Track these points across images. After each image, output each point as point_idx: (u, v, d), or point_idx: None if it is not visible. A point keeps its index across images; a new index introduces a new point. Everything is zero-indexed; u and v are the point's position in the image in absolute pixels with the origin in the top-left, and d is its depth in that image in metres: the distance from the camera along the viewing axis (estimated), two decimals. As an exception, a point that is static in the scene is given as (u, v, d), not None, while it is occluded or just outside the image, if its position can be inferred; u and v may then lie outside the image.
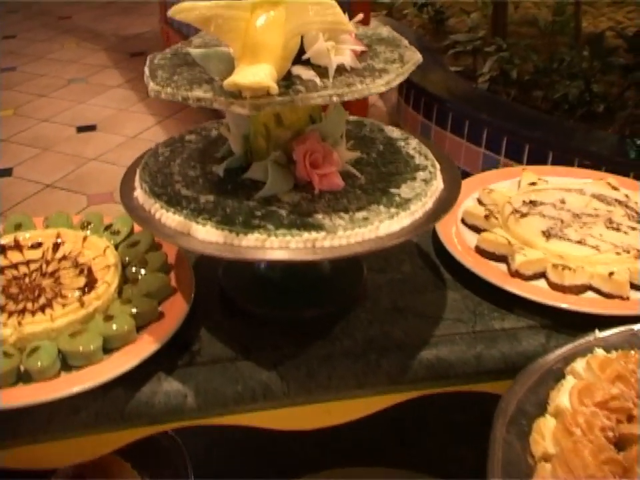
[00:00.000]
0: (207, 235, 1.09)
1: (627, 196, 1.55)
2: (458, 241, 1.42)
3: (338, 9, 1.02)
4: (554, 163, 3.46)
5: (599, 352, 1.15)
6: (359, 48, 1.15)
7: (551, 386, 1.11)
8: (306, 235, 1.07)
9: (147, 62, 1.20)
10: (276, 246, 1.07)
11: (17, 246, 1.38)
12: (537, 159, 3.52)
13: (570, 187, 1.57)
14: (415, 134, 1.38)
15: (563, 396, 1.07)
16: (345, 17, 1.03)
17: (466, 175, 1.62)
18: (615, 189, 1.58)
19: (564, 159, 3.47)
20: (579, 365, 1.13)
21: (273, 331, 1.25)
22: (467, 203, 1.53)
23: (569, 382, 1.09)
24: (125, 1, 7.57)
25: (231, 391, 1.17)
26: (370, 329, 1.26)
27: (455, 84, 4.14)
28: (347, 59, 1.11)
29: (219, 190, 1.18)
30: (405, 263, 1.42)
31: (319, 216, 1.11)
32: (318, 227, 1.08)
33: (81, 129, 4.66)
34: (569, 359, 1.15)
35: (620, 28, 5.02)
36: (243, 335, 1.25)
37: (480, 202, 1.54)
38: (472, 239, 1.44)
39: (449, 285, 1.38)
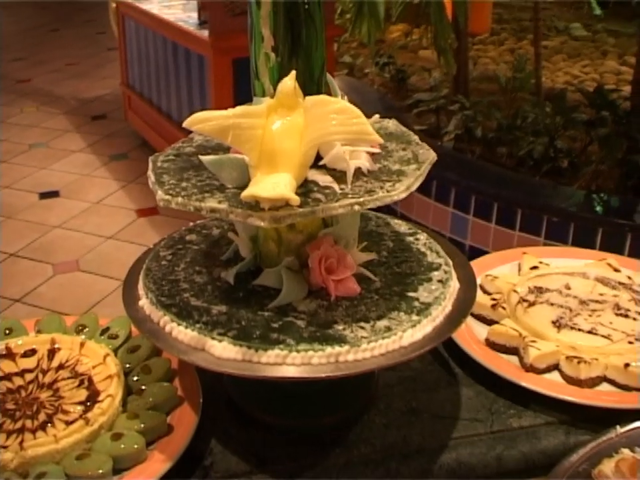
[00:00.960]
0: (224, 352, 1.05)
1: (629, 277, 1.53)
2: (467, 333, 1.39)
3: (363, 118, 1.00)
4: (522, 221, 3.48)
5: (626, 452, 1.12)
6: (375, 150, 1.13)
7: (580, 491, 1.08)
8: (329, 349, 1.03)
9: (150, 165, 1.16)
10: (298, 362, 1.03)
11: (10, 354, 1.32)
12: (505, 217, 3.53)
13: (572, 270, 1.55)
14: None
15: (599, 504, 1.04)
16: (370, 126, 1.00)
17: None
18: (617, 270, 1.56)
19: (532, 217, 3.49)
20: (607, 467, 1.10)
21: (287, 441, 1.20)
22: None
23: (606, 489, 1.07)
24: (83, 64, 7.53)
25: (249, 509, 1.12)
26: (387, 434, 1.22)
27: (420, 143, 4.14)
28: (363, 162, 1.09)
29: (231, 299, 1.14)
30: (415, 360, 1.38)
31: (340, 327, 1.07)
32: (340, 340, 1.04)
33: (43, 195, 4.60)
34: (594, 458, 1.12)
35: (577, 82, 5.09)
36: (256, 445, 1.19)
37: (483, 289, 1.51)
38: (480, 330, 1.41)
39: (461, 380, 1.34)
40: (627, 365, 1.29)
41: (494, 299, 1.45)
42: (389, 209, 3.88)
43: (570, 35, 6.26)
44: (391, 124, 1.29)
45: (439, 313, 1.12)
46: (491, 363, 1.32)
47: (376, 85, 5.19)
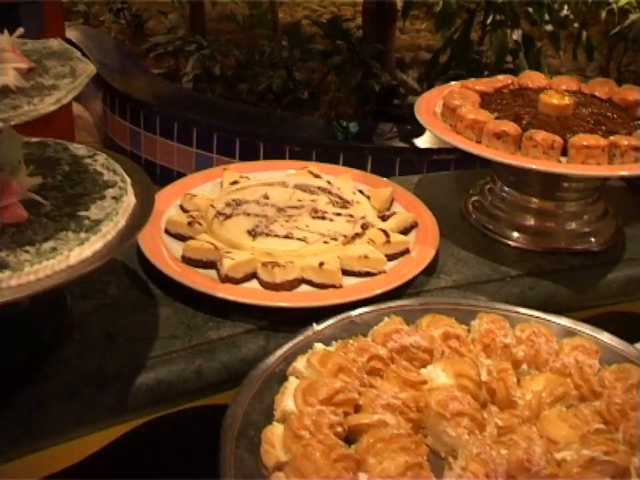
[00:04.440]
0: None
1: (329, 182, 1.56)
2: (165, 253, 1.36)
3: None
4: (266, 153, 3.50)
5: (318, 347, 1.13)
6: (24, 65, 1.07)
7: (276, 390, 1.07)
8: (-11, 277, 0.98)
9: None
10: (-42, 294, 0.97)
11: None
12: (249, 152, 3.54)
13: (272, 180, 1.56)
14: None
15: (287, 399, 1.04)
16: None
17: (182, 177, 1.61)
18: (317, 176, 1.58)
19: (275, 149, 3.52)
20: (300, 363, 1.10)
21: (-27, 383, 1.14)
22: (170, 211, 1.47)
23: (291, 383, 1.06)
24: None
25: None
26: (82, 363, 1.18)
27: (159, 87, 4.10)
28: (10, 79, 1.03)
29: None
30: (112, 285, 1.34)
31: (3, 254, 1.01)
32: (2, 267, 0.99)
33: None
34: (290, 358, 1.12)
35: (316, 15, 5.16)
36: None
37: (183, 208, 1.49)
38: (178, 249, 1.38)
39: (160, 301, 1.31)
40: (321, 264, 1.31)
41: (191, 217, 1.43)
42: (133, 156, 3.82)
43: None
44: (55, 43, 1.23)
45: (110, 229, 1.09)
46: (186, 278, 1.30)
47: (113, 32, 5.06)
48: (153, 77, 4.22)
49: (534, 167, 1.40)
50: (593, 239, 1.57)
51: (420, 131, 3.64)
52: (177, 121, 3.74)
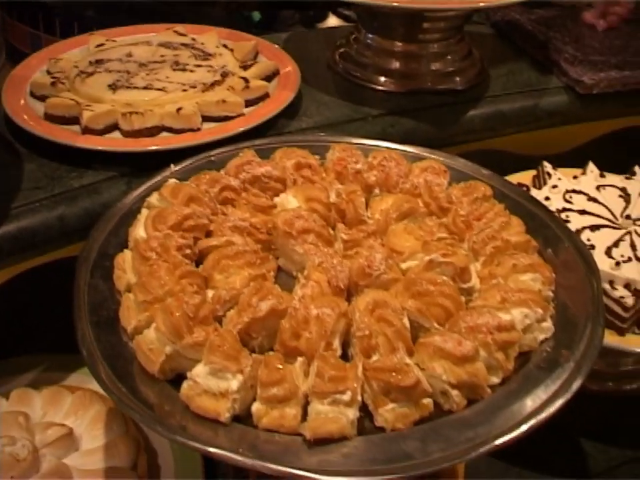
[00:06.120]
0: None
1: (193, 39, 1.58)
2: (27, 113, 1.38)
3: None
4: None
5: (172, 181, 1.15)
6: None
7: (131, 224, 1.11)
8: None
9: None
10: None
11: None
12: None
13: (137, 40, 1.58)
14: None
15: (139, 229, 1.07)
16: None
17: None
18: (183, 35, 1.60)
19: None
20: (154, 197, 1.13)
21: None
22: (37, 76, 1.48)
23: (143, 214, 1.09)
24: None
25: None
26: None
27: (56, -12, 4.00)
28: None
29: None
30: None
31: None
32: None
33: None
34: (147, 196, 1.15)
35: None
36: None
37: (49, 73, 1.50)
38: (42, 108, 1.39)
39: (25, 158, 1.33)
40: (179, 110, 1.34)
41: (55, 77, 1.44)
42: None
43: None
44: None
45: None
46: (48, 133, 1.32)
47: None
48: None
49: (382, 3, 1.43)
50: (457, 78, 1.62)
51: (323, 16, 3.63)
52: (77, 21, 3.68)
